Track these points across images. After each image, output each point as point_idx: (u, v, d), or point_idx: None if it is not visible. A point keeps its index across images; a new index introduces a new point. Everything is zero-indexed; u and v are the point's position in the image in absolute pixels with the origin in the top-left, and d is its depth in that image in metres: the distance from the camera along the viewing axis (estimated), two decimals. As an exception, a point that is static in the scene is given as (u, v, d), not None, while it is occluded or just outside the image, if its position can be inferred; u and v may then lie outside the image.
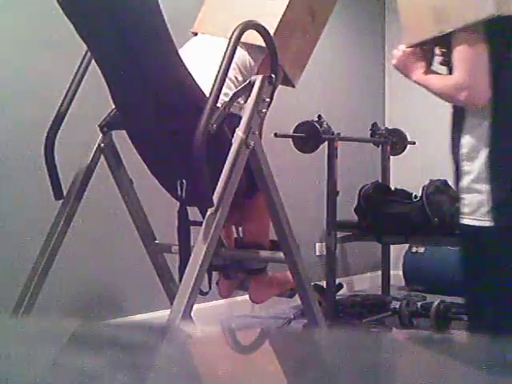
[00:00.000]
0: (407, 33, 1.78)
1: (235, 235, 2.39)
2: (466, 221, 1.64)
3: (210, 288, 2.18)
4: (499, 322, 1.59)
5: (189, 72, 1.93)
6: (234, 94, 1.94)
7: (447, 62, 1.71)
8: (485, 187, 1.60)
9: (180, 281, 1.80)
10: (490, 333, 1.54)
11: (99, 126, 2.11)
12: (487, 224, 1.59)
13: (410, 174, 4.40)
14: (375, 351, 0.64)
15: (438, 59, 1.81)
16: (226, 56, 1.80)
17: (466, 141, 1.64)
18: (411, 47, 1.77)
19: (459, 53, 1.60)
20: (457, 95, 1.61)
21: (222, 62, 1.80)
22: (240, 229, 2.36)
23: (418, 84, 1.78)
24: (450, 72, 1.67)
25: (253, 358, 0.65)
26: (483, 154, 1.60)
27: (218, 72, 1.79)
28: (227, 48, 1.80)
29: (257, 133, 1.90)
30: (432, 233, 3.35)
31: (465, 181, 1.64)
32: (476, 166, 1.61)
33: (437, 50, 1.79)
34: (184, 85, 1.91)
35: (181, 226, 2.01)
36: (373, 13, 4.92)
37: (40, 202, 2.62)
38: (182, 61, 1.89)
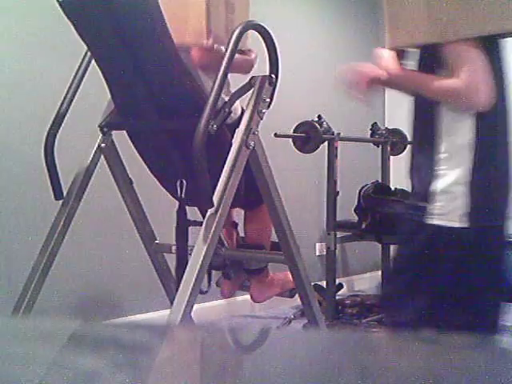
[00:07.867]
0: (394, 35, 1.82)
1: (236, 234, 2.39)
2: (436, 222, 1.64)
3: (210, 286, 2.19)
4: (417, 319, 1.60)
5: (190, 71, 1.93)
6: (233, 94, 1.94)
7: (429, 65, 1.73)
8: (463, 190, 1.61)
9: (177, 280, 1.79)
10: (405, 328, 1.56)
11: (99, 126, 2.11)
12: (462, 225, 1.61)
13: (409, 174, 4.40)
14: (375, 351, 0.64)
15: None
16: (227, 56, 1.79)
17: (447, 143, 1.65)
18: (392, 49, 1.84)
19: (463, 57, 1.60)
20: (461, 98, 1.61)
21: (222, 62, 1.79)
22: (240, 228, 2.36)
23: (404, 85, 1.87)
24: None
25: (252, 357, 0.65)
26: (466, 158, 1.61)
27: (219, 71, 1.78)
28: (228, 48, 1.80)
29: (257, 133, 1.90)
30: (432, 233, 3.35)
31: (440, 184, 1.65)
32: (457, 169, 1.62)
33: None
34: (185, 84, 1.91)
35: (179, 226, 2.01)
36: (373, 13, 4.91)
37: (40, 202, 2.63)
38: (182, 60, 1.89)
